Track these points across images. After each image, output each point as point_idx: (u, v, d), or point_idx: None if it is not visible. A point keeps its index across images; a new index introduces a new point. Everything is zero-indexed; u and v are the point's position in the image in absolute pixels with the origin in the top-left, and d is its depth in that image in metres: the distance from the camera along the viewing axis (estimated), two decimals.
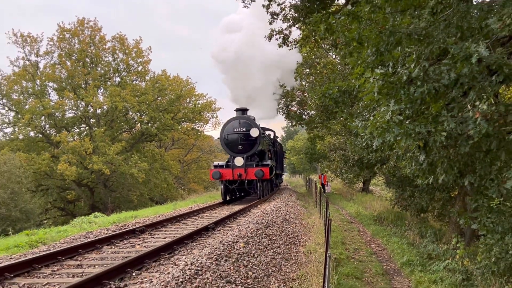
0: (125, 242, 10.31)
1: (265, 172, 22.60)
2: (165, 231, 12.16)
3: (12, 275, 6.92)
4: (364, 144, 10.84)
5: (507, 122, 5.95)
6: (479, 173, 8.71)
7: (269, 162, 24.68)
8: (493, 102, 5.47)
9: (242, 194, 27.91)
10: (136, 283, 6.24)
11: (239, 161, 22.99)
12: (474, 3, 7.00)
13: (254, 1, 16.62)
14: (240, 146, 23.60)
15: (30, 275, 7.10)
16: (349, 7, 9.36)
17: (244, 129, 23.88)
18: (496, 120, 5.89)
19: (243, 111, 24.91)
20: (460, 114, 6.05)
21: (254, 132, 23.39)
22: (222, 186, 23.43)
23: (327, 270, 5.43)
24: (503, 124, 5.95)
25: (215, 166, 23.78)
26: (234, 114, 24.88)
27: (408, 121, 6.57)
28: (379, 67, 6.88)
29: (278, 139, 37.99)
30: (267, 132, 31.27)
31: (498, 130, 6.08)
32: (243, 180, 22.97)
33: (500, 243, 8.71)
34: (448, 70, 5.85)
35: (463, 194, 13.42)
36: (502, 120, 5.94)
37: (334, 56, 27.72)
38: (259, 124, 25.04)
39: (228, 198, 23.82)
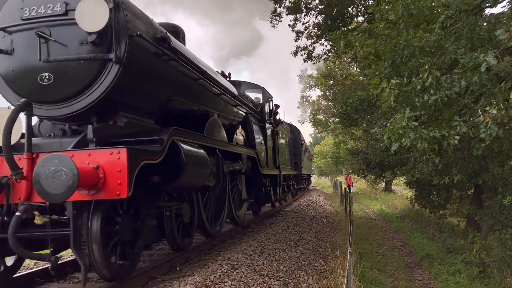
0: None
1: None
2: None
3: None
4: (384, 148, 10.70)
5: None
6: (492, 172, 8.48)
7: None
8: (502, 107, 5.31)
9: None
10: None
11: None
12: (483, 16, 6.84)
13: (281, 21, 16.70)
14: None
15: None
16: (366, 24, 9.30)
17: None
18: (506, 124, 5.74)
19: None
20: (471, 119, 5.90)
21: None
22: None
23: (347, 264, 5.38)
24: None
25: None
26: None
27: (423, 126, 6.45)
28: (395, 77, 6.80)
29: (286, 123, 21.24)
30: (250, 94, 13.69)
31: (508, 132, 5.92)
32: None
33: None
34: (459, 78, 5.73)
35: (479, 192, 13.04)
36: None
37: (355, 68, 27.49)
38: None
39: None
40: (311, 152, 46.62)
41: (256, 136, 11.53)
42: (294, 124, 26.07)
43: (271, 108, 14.16)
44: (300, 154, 23.85)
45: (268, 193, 13.15)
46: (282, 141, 16.25)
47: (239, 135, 10.48)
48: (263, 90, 13.67)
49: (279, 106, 15.44)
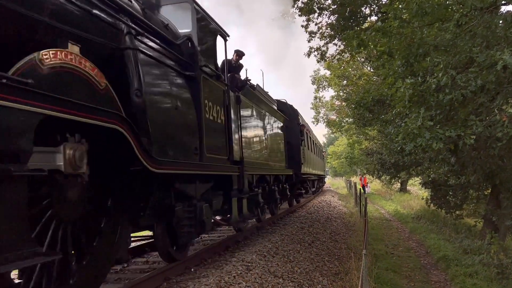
0: None
1: None
2: (220, 230, 12.28)
3: None
4: (398, 148, 10.62)
5: None
6: (509, 172, 8.35)
7: None
8: None
9: None
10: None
11: None
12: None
13: (294, 22, 16.67)
14: None
15: None
16: (379, 23, 9.24)
17: None
18: None
19: None
20: (488, 118, 5.83)
21: None
22: None
23: (362, 265, 5.34)
24: None
25: None
26: None
27: (438, 126, 6.38)
28: (409, 77, 6.74)
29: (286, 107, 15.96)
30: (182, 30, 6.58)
31: None
32: None
33: None
34: (474, 77, 5.66)
35: (496, 192, 12.84)
36: None
37: (369, 68, 27.35)
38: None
39: None
40: (322, 147, 36.01)
41: (155, 88, 5.23)
42: (299, 114, 18.16)
43: (226, 58, 8.18)
44: (300, 146, 15.98)
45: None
46: (255, 121, 9.89)
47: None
48: (193, 6, 6.66)
49: (243, 55, 9.82)
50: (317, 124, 37.97)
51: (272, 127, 12.05)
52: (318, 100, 37.43)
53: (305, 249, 9.54)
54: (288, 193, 14.35)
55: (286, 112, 15.23)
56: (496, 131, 5.49)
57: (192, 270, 6.68)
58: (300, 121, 17.20)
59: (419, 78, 6.51)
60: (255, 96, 10.17)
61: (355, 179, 49.82)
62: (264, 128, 10.79)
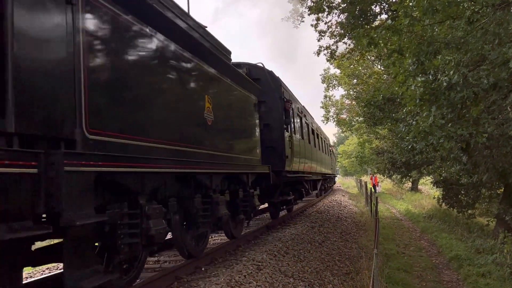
0: None
1: None
2: None
3: None
4: (409, 147, 10.56)
5: None
6: None
7: None
8: None
9: None
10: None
11: None
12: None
13: (303, 21, 16.65)
14: None
15: None
16: (389, 21, 9.18)
17: None
18: None
19: None
20: (500, 116, 5.76)
21: None
22: None
23: (373, 265, 5.32)
24: None
25: None
26: None
27: (450, 124, 6.33)
28: (420, 75, 6.69)
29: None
30: None
31: None
32: None
33: None
34: (486, 75, 5.60)
35: (509, 191, 12.70)
36: None
37: (379, 67, 27.20)
38: None
39: None
40: (328, 140, 30.02)
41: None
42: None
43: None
44: (283, 132, 11.07)
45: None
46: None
47: None
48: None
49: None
50: (327, 122, 37.85)
51: (227, 98, 7.88)
52: (328, 99, 37.29)
53: (315, 248, 9.52)
54: (256, 204, 9.03)
55: (263, 83, 10.72)
56: (508, 129, 5.43)
57: (203, 269, 6.70)
58: (285, 95, 11.58)
59: (430, 76, 6.46)
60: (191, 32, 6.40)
61: (365, 178, 49.58)
62: (188, 94, 6.15)
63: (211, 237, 9.53)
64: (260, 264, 7.04)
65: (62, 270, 4.26)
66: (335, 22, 16.43)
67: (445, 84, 5.99)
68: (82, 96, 3.77)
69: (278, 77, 11.49)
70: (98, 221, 3.77)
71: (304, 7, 15.88)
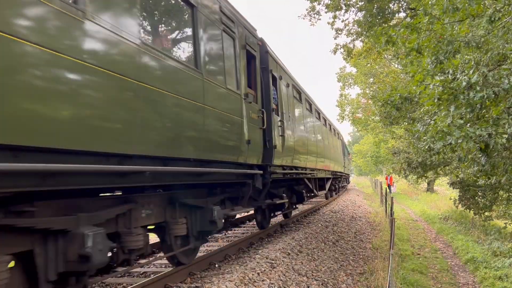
0: None
1: None
2: (244, 227, 12.32)
3: None
4: (426, 147, 10.44)
5: None
6: None
7: None
8: None
9: None
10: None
11: None
12: None
13: (320, 19, 16.57)
14: None
15: None
16: (408, 19, 9.07)
17: None
18: None
19: None
20: None
21: None
22: None
23: (389, 266, 5.28)
24: None
25: None
26: None
27: (468, 124, 6.23)
28: (439, 74, 6.60)
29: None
30: None
31: None
32: None
33: None
34: (507, 74, 5.50)
35: None
36: None
37: (396, 65, 26.94)
38: None
39: None
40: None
41: None
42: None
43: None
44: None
45: None
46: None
47: None
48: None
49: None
50: (342, 121, 37.65)
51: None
52: (343, 97, 37.08)
53: (329, 248, 9.49)
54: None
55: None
56: None
57: (217, 266, 6.72)
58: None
59: (449, 76, 6.36)
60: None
61: (380, 178, 49.21)
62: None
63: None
64: (273, 262, 7.04)
65: None
66: (352, 20, 16.33)
67: (464, 83, 5.89)
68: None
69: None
70: None
71: (321, 5, 15.79)
